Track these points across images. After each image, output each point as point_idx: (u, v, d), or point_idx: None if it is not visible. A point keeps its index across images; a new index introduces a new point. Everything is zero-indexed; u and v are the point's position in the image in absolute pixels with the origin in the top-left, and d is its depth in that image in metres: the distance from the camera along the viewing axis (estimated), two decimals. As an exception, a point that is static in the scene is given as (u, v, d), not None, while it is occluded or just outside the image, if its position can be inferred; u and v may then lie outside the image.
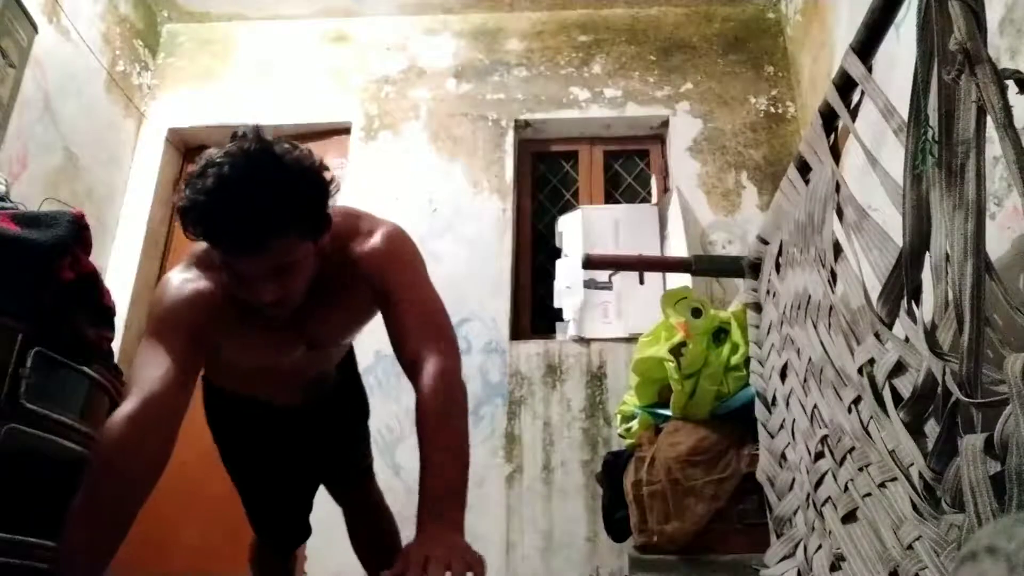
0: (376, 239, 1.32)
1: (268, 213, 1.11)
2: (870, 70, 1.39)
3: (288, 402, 1.68)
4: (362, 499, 1.90)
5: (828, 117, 1.58)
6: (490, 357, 3.06)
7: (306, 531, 1.87)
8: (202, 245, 1.23)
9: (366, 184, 3.39)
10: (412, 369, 1.20)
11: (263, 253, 1.14)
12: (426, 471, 1.09)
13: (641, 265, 2.65)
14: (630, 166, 3.62)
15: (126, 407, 1.15)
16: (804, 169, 1.71)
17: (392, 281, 1.28)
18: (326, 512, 1.89)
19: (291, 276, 1.20)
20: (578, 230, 3.18)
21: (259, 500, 1.78)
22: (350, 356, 1.82)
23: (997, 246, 1.34)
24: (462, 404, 1.20)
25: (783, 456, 1.66)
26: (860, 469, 1.24)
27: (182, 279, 1.28)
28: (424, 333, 1.23)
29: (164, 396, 1.16)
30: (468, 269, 3.15)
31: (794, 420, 1.61)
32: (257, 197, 1.11)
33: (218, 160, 1.13)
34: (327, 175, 1.23)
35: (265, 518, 1.81)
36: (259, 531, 1.83)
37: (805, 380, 1.56)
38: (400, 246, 1.34)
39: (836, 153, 1.56)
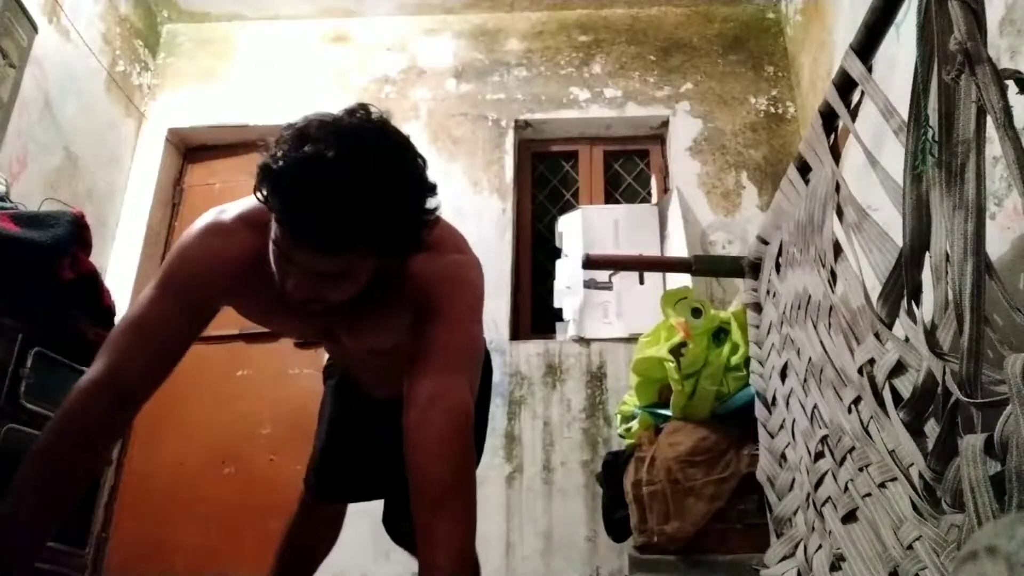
0: (442, 261, 1.18)
1: (358, 220, 0.96)
2: (870, 70, 1.39)
3: (384, 396, 1.53)
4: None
5: (828, 117, 1.58)
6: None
7: (360, 488, 1.70)
8: (256, 202, 1.04)
9: (366, 184, 3.39)
10: (418, 391, 1.07)
11: (328, 256, 1.00)
12: (426, 548, 0.96)
13: (641, 265, 2.66)
14: (630, 166, 3.62)
15: (94, 369, 1.06)
16: (804, 169, 1.71)
17: (440, 301, 1.15)
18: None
19: (335, 286, 1.06)
20: (578, 230, 3.18)
21: (332, 436, 1.68)
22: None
23: (997, 246, 1.34)
24: (471, 461, 1.07)
25: (783, 456, 1.66)
26: (860, 469, 1.24)
27: (211, 231, 1.18)
28: (449, 360, 1.10)
29: (137, 367, 1.08)
30: (468, 269, 3.14)
31: (794, 420, 1.62)
32: (355, 198, 0.95)
33: (319, 134, 0.95)
34: (431, 200, 1.09)
35: (329, 452, 1.68)
36: (317, 464, 1.68)
37: (805, 380, 1.56)
38: (466, 274, 1.23)
39: (836, 153, 1.56)
